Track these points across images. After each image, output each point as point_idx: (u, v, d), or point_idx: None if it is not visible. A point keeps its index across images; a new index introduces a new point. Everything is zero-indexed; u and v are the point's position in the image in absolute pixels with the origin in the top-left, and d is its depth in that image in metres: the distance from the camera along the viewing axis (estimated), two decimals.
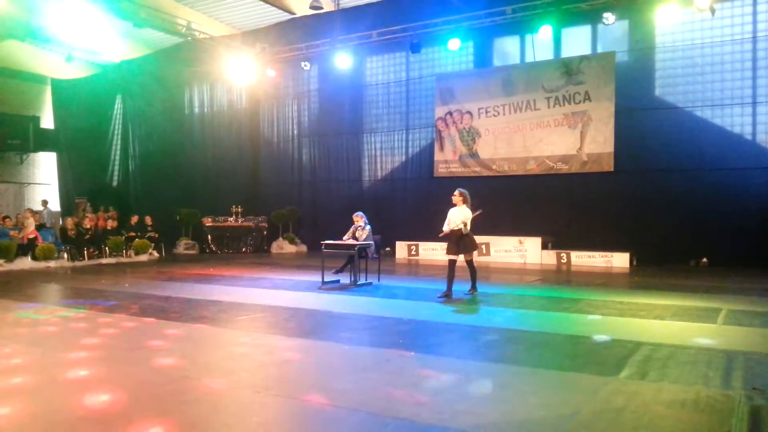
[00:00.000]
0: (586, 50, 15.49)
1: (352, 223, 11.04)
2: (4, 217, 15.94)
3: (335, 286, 10.40)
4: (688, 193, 14.10)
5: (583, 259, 14.64)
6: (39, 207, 20.81)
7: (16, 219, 16.24)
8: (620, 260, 14.22)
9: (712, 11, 12.83)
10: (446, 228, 9.12)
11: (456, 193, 9.20)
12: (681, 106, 14.37)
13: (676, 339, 6.14)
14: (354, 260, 10.56)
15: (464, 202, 9.10)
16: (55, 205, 21.99)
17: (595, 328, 6.76)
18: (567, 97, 15.59)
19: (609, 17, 13.69)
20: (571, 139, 15.58)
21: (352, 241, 10.66)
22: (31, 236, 14.85)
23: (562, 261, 14.84)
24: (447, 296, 8.94)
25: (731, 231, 13.52)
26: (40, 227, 16.00)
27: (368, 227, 10.87)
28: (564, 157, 15.66)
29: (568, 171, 15.66)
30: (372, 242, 10.84)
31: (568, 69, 15.54)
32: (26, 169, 22.51)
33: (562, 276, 12.76)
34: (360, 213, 11.07)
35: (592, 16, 14.66)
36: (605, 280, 11.67)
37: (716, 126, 14.00)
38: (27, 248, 14.52)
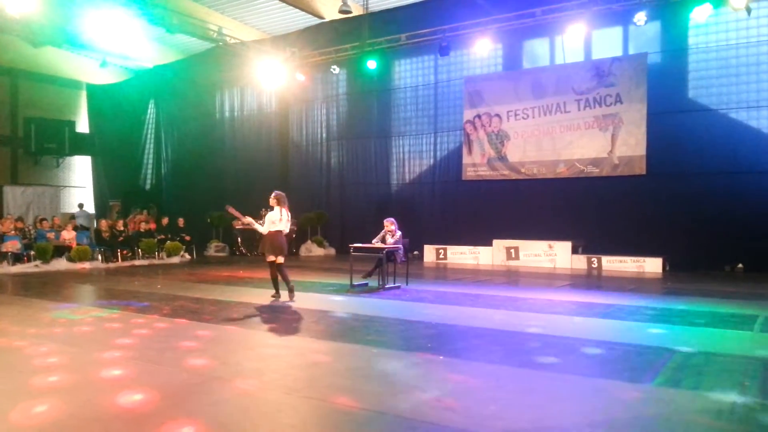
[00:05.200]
0: (618, 52, 15.27)
1: (382, 227, 11.07)
2: (41, 220, 16.35)
3: (363, 290, 10.42)
4: (722, 197, 13.78)
5: (614, 264, 14.43)
6: (74, 209, 21.30)
7: (53, 221, 16.62)
8: (652, 265, 13.97)
9: (748, 11, 12.53)
10: (264, 230, 9.19)
11: (272, 195, 9.27)
12: (715, 108, 14.06)
13: (710, 346, 6.02)
14: (382, 264, 10.57)
15: (278, 204, 9.16)
16: (89, 208, 22.45)
17: (627, 334, 6.65)
18: (598, 99, 15.39)
19: (641, 18, 13.48)
20: (601, 141, 15.38)
21: (380, 245, 10.68)
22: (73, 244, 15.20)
23: (593, 266, 14.64)
24: (276, 297, 9.19)
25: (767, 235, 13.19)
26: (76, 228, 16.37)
27: (398, 233, 10.91)
28: (595, 160, 15.47)
29: (599, 174, 15.45)
30: (401, 246, 10.85)
31: (599, 71, 15.34)
32: (62, 172, 23.02)
33: (593, 281, 12.59)
34: (391, 219, 11.11)
35: (623, 17, 14.45)
36: (637, 286, 11.48)
37: (752, 128, 13.67)
38: (63, 250, 14.87)
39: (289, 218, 9.34)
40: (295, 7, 17.99)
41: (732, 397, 4.33)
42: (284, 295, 9.24)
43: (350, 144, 19.85)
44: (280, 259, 9.10)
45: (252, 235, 19.20)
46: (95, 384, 4.72)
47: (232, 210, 9.73)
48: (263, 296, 9.55)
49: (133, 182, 23.76)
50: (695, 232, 13.95)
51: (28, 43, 20.08)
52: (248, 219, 9.53)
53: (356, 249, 10.81)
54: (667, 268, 13.97)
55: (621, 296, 9.79)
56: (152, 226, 17.79)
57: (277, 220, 9.11)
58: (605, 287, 11.31)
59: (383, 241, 10.87)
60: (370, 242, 10.95)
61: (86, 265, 14.76)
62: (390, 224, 10.97)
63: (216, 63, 20.44)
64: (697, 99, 14.34)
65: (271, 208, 9.22)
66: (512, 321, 7.50)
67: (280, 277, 9.21)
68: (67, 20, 18.16)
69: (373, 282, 10.84)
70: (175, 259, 16.74)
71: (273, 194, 9.30)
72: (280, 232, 9.14)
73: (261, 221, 9.63)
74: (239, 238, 19.22)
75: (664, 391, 4.51)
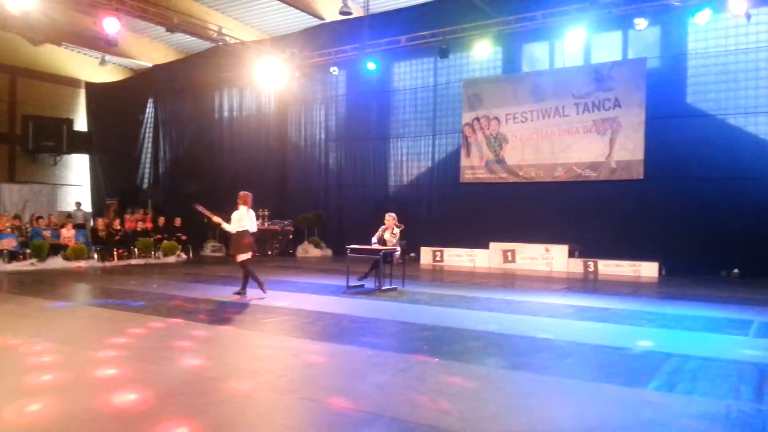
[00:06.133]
0: (617, 56, 15.30)
1: (382, 224, 10.96)
2: (37, 218, 16.31)
3: (360, 291, 10.41)
4: (719, 202, 13.81)
5: (610, 268, 14.43)
6: (71, 207, 21.27)
7: (49, 219, 16.59)
8: (649, 270, 13.98)
9: (748, 16, 12.57)
10: (232, 229, 9.62)
11: (239, 195, 9.65)
12: (713, 114, 14.09)
13: (706, 351, 6.02)
14: (378, 266, 10.53)
15: (245, 203, 9.56)
16: (86, 206, 22.42)
17: (623, 338, 6.65)
18: (596, 103, 15.42)
19: (640, 23, 13.50)
20: (600, 146, 15.39)
21: (377, 246, 10.63)
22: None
23: (589, 269, 14.64)
24: (240, 294, 9.61)
25: (763, 241, 13.18)
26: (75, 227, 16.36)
27: (398, 228, 10.80)
28: (592, 164, 15.48)
29: (597, 178, 15.46)
30: (398, 248, 10.79)
31: (598, 75, 15.36)
32: (59, 170, 23.01)
33: (589, 284, 12.60)
34: (392, 214, 11.02)
35: (623, 22, 14.45)
36: (633, 290, 11.49)
37: (750, 134, 13.70)
38: (59, 248, 14.84)
39: (254, 217, 9.81)
40: (296, 7, 18.01)
41: (727, 402, 4.34)
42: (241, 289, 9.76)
43: (349, 145, 19.85)
44: (244, 257, 9.55)
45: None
46: (90, 383, 4.70)
47: (200, 208, 10.12)
48: (259, 296, 9.54)
49: (131, 181, 23.73)
50: (692, 237, 13.96)
51: (27, 40, 20.07)
52: (217, 219, 9.86)
53: (353, 250, 10.79)
54: (664, 272, 13.98)
55: (617, 300, 9.80)
56: (149, 225, 17.76)
57: (246, 219, 9.53)
58: (601, 291, 11.32)
59: (382, 240, 10.80)
60: (368, 243, 10.92)
61: (82, 264, 14.73)
62: (391, 219, 10.87)
63: (215, 63, 20.43)
64: (695, 104, 14.37)
65: (236, 208, 9.58)
66: (508, 324, 7.49)
67: (247, 273, 9.65)
68: (67, 18, 18.16)
69: (369, 283, 10.82)
70: (171, 259, 16.72)
71: (240, 194, 9.64)
72: (247, 231, 9.56)
73: (259, 221, 9.75)
74: None
75: (659, 396, 4.51)
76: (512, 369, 5.30)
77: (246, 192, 9.68)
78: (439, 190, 18.15)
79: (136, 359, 5.45)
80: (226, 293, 9.94)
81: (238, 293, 9.64)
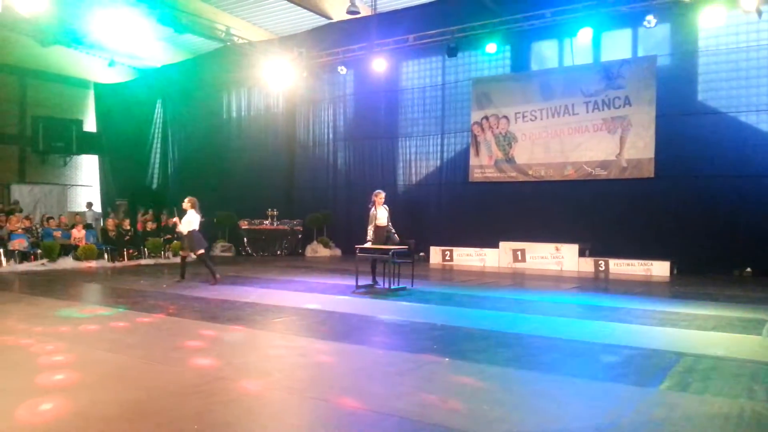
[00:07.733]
0: (627, 54, 15.19)
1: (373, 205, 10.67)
2: (48, 218, 16.41)
3: (369, 291, 10.39)
4: (731, 201, 13.70)
5: (621, 267, 14.34)
6: (81, 208, 21.38)
7: (60, 220, 16.68)
8: (660, 269, 13.88)
9: (759, 13, 12.45)
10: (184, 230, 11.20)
11: (185, 199, 11.24)
12: (724, 112, 13.97)
13: (718, 350, 5.96)
14: (386, 264, 10.47)
15: (192, 207, 11.11)
16: (97, 207, 22.53)
17: (635, 338, 6.60)
18: (606, 101, 15.33)
19: (650, 20, 13.42)
20: (610, 144, 15.30)
21: (387, 246, 10.55)
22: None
23: (600, 269, 14.56)
24: (215, 281, 11.09)
25: None
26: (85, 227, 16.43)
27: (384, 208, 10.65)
28: (603, 162, 15.39)
29: (607, 177, 15.37)
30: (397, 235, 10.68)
31: (608, 73, 15.27)
32: (69, 171, 23.12)
33: (600, 284, 12.52)
34: (380, 191, 10.78)
35: (632, 19, 14.38)
36: (645, 289, 11.41)
37: (761, 131, 13.58)
38: (69, 248, 14.92)
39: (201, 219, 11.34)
40: (303, 7, 18.01)
41: (740, 402, 4.29)
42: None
43: (357, 144, 19.84)
44: (201, 251, 11.31)
45: (258, 236, 19.32)
46: (100, 383, 4.71)
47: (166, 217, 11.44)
48: (269, 296, 9.57)
49: (140, 181, 23.82)
50: (703, 236, 13.86)
51: (36, 42, 20.20)
52: (176, 219, 11.53)
53: (362, 250, 10.75)
54: (675, 271, 13.88)
55: (628, 299, 9.73)
56: (170, 221, 17.79)
57: (195, 221, 11.05)
58: (613, 290, 11.25)
59: (380, 224, 10.66)
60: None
61: (92, 264, 14.80)
62: (380, 196, 10.60)
63: (224, 63, 20.47)
64: (706, 102, 14.25)
65: (184, 211, 11.08)
66: (518, 323, 7.46)
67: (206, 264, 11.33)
68: (76, 20, 18.25)
69: (379, 283, 10.79)
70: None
71: (187, 199, 11.19)
72: (196, 230, 11.12)
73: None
74: (245, 239, 19.25)
75: (671, 395, 4.47)
76: (522, 368, 5.27)
77: (193, 197, 11.28)
78: (448, 189, 18.10)
79: (146, 359, 5.46)
80: (236, 293, 9.97)
81: (213, 281, 11.04)
